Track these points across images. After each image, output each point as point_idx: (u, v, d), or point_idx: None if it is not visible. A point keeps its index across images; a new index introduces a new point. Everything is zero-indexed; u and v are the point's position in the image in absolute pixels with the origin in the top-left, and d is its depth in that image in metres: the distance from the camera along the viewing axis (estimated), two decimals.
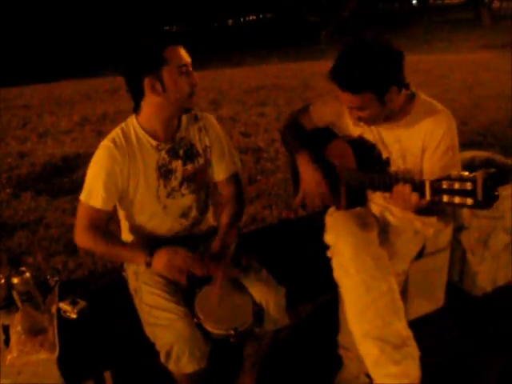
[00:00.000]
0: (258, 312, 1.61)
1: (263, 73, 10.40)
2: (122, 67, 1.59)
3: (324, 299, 2.26)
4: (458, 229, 2.31)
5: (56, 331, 1.61)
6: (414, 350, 1.60)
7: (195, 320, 1.53)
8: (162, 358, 1.51)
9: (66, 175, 4.39)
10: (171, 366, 1.50)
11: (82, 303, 1.78)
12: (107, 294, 1.88)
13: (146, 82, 1.53)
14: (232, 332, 1.50)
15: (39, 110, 7.20)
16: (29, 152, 5.16)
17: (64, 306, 1.76)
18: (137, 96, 1.61)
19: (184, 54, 1.56)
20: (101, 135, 5.69)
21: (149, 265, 1.58)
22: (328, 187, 1.83)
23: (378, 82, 1.54)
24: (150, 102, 1.60)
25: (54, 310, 1.72)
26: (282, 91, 7.98)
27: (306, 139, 1.97)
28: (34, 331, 1.59)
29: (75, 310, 1.75)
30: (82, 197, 1.64)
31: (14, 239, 3.27)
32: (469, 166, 2.38)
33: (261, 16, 37.90)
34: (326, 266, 1.73)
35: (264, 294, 1.63)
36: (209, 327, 1.51)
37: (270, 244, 2.12)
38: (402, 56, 1.56)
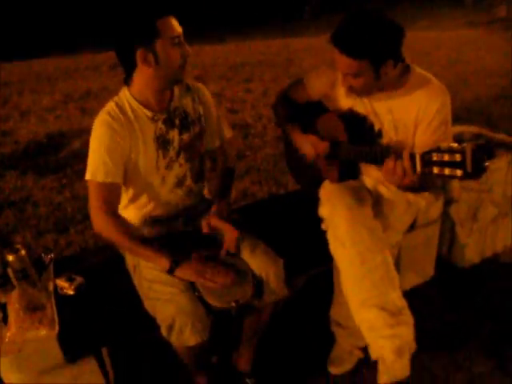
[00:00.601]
0: (258, 284, 1.62)
1: (247, 49, 10.26)
2: (114, 39, 1.55)
3: (316, 273, 2.32)
4: (448, 202, 2.35)
5: (54, 308, 1.61)
6: (408, 318, 1.65)
7: (196, 294, 1.54)
8: (164, 332, 1.51)
9: (51, 153, 4.30)
10: (173, 339, 1.51)
11: (78, 279, 1.77)
12: (104, 270, 1.88)
13: (139, 53, 1.50)
14: (233, 304, 1.52)
15: (19, 88, 6.99)
16: (12, 130, 5.03)
17: (61, 282, 1.76)
18: (128, 67, 1.58)
19: (176, 25, 1.53)
20: (85, 112, 5.62)
21: (171, 272, 1.53)
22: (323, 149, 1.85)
23: (377, 51, 1.54)
24: (142, 74, 1.57)
25: (50, 286, 1.72)
26: (267, 67, 7.90)
27: (299, 113, 1.98)
28: (32, 308, 1.59)
29: (72, 287, 1.74)
30: (89, 175, 1.58)
31: (1, 218, 3.23)
32: (458, 140, 2.41)
33: None
34: (321, 238, 1.76)
35: (263, 266, 1.64)
36: (210, 300, 1.52)
37: (265, 218, 2.13)
38: (402, 32, 1.56)
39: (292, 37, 12.14)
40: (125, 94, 1.64)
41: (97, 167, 1.57)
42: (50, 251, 1.93)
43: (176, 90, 1.72)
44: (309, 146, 1.88)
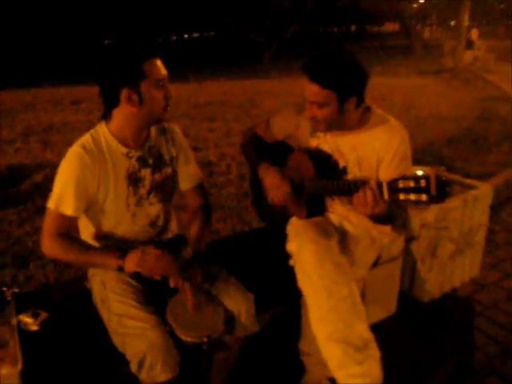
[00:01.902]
0: (229, 319, 1.63)
1: (210, 89, 10.47)
2: (100, 76, 1.59)
3: (281, 310, 2.33)
4: (409, 239, 2.44)
5: (18, 344, 1.55)
6: (375, 352, 1.67)
7: (167, 328, 1.53)
8: (134, 368, 1.49)
9: (12, 185, 4.20)
10: (143, 376, 1.48)
11: (43, 314, 1.71)
12: (69, 305, 1.83)
13: (124, 93, 1.54)
14: (205, 339, 1.51)
15: None
16: None
17: (24, 318, 1.69)
18: (110, 104, 1.61)
19: (161, 67, 1.59)
20: (47, 145, 5.55)
21: (120, 268, 1.53)
22: (291, 188, 1.89)
23: (344, 85, 1.64)
24: (124, 112, 1.60)
25: (13, 322, 1.66)
26: (230, 107, 8.09)
27: (267, 152, 2.04)
28: None
29: (37, 322, 1.68)
30: (51, 204, 1.59)
31: None
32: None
33: (204, 34, 38.16)
34: (288, 273, 1.79)
35: (235, 301, 1.65)
36: (182, 335, 1.52)
37: (233, 253, 2.16)
38: (368, 75, 1.68)
39: (253, 79, 12.50)
40: (102, 129, 1.66)
41: (60, 198, 1.58)
42: (12, 286, 1.87)
43: (152, 130, 1.76)
44: (274, 188, 1.91)
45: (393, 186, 1.40)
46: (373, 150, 1.78)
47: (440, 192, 1.29)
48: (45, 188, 4.09)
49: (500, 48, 17.47)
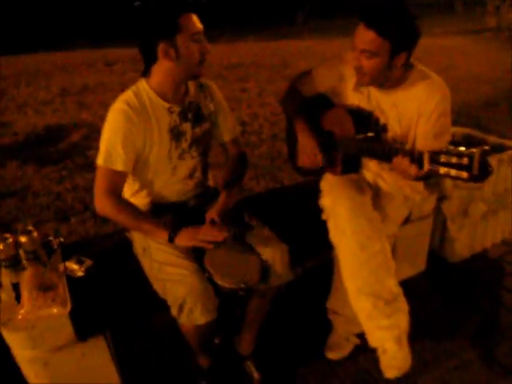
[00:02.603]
0: (264, 268, 1.69)
1: (241, 50, 10.36)
2: (137, 31, 1.62)
3: (313, 265, 2.40)
4: (441, 198, 2.45)
5: (66, 287, 1.66)
6: (403, 305, 1.72)
7: (206, 274, 1.61)
8: (174, 312, 1.58)
9: (50, 145, 4.34)
10: (183, 319, 1.57)
11: (88, 262, 1.82)
12: (111, 254, 1.93)
13: (160, 47, 1.57)
14: (242, 286, 1.57)
15: (15, 82, 7.00)
16: (10, 122, 5.05)
17: (70, 264, 1.80)
18: (149, 60, 1.65)
19: (197, 22, 1.60)
20: (83, 106, 5.66)
21: (171, 240, 1.61)
22: (321, 153, 1.90)
23: (401, 37, 1.61)
24: (162, 67, 1.64)
25: (61, 268, 1.77)
26: (262, 68, 8.00)
27: (305, 106, 2.02)
28: (45, 288, 1.62)
29: (82, 269, 1.79)
30: (100, 161, 1.64)
31: (2, 207, 3.26)
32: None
33: None
34: (320, 228, 1.83)
35: (269, 251, 1.71)
36: (220, 281, 1.58)
37: (267, 208, 2.20)
38: (420, 35, 1.65)
39: (286, 40, 12.25)
40: (143, 85, 1.70)
41: (109, 154, 1.63)
42: (58, 235, 1.98)
43: (190, 86, 1.80)
44: (308, 149, 1.92)
45: (434, 158, 1.38)
46: (413, 106, 1.76)
47: (482, 172, 1.28)
48: (82, 147, 4.22)
49: None
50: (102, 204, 1.64)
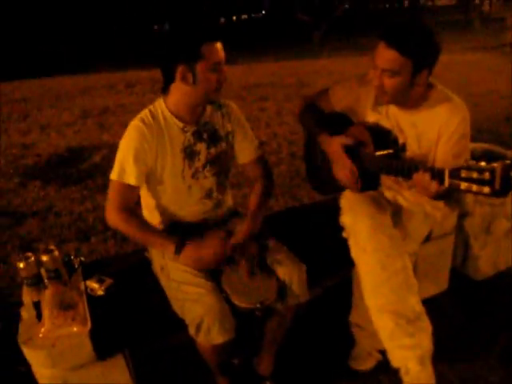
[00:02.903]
0: (281, 288, 1.68)
1: (259, 71, 10.49)
2: (160, 50, 1.66)
3: (333, 283, 2.37)
4: (462, 215, 2.42)
5: (86, 306, 1.67)
6: (426, 324, 1.69)
7: (223, 294, 1.61)
8: (192, 331, 1.57)
9: (72, 166, 4.43)
10: (201, 338, 1.57)
11: (108, 281, 1.84)
12: (131, 273, 1.94)
13: (179, 70, 1.60)
14: (258, 305, 1.57)
15: (38, 104, 7.20)
16: (33, 143, 5.18)
17: (91, 283, 1.82)
18: (167, 80, 1.69)
19: (220, 51, 1.62)
20: (103, 128, 5.76)
21: (177, 253, 1.64)
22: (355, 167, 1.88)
23: (422, 55, 1.61)
24: (179, 89, 1.67)
25: (82, 286, 1.79)
26: (280, 88, 8.08)
27: (325, 123, 2.02)
28: (65, 306, 1.64)
29: (102, 287, 1.81)
30: (114, 176, 1.69)
31: (24, 227, 3.32)
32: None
33: (253, 15, 37.97)
34: (340, 246, 1.82)
35: (287, 271, 1.70)
36: (236, 301, 1.59)
37: (286, 226, 2.20)
38: (440, 51, 1.65)
39: (303, 59, 12.36)
40: (160, 104, 1.74)
41: (123, 169, 1.68)
42: (79, 255, 2.00)
43: (208, 106, 1.82)
44: (344, 171, 1.90)
45: (455, 174, 1.36)
46: (433, 126, 1.75)
47: (504, 186, 1.26)
48: (103, 168, 4.30)
49: None
50: (112, 216, 1.69)
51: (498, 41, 14.25)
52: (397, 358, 1.68)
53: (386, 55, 1.62)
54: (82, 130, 5.71)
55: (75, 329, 1.56)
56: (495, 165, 1.27)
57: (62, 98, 7.68)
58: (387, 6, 38.41)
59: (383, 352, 1.84)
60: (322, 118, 2.04)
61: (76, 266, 1.91)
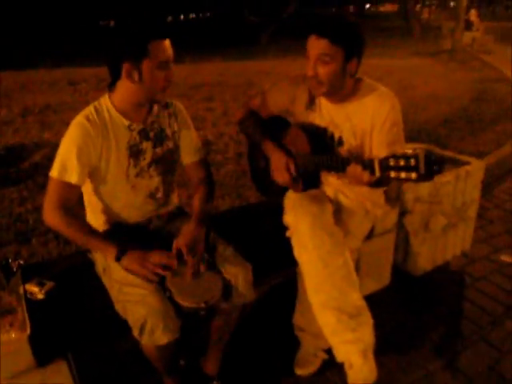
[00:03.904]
0: (227, 287, 1.68)
1: (206, 70, 10.43)
2: (106, 46, 1.62)
3: (278, 282, 2.41)
4: (403, 213, 2.52)
5: (25, 311, 1.61)
6: (368, 319, 1.74)
7: (167, 294, 1.59)
8: (136, 333, 1.54)
9: (11, 165, 4.22)
10: (145, 340, 1.54)
11: (49, 284, 1.78)
12: (73, 276, 1.89)
13: (125, 67, 1.57)
14: (203, 305, 1.56)
15: None
16: None
17: (30, 287, 1.76)
18: (113, 76, 1.65)
19: (167, 49, 1.60)
20: (45, 126, 5.55)
21: (117, 260, 1.59)
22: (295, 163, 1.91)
23: (351, 43, 1.70)
24: (125, 86, 1.64)
25: (21, 290, 1.72)
26: (227, 88, 8.07)
27: (265, 127, 2.06)
28: (2, 312, 1.58)
29: (42, 291, 1.75)
30: (55, 173, 1.62)
31: None
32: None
33: (200, 15, 37.76)
34: (285, 245, 1.84)
35: (232, 270, 1.70)
36: (180, 300, 1.57)
37: (232, 226, 2.21)
38: (365, 43, 1.76)
39: (251, 60, 12.44)
40: (105, 101, 1.71)
41: (64, 167, 1.62)
42: (18, 258, 1.93)
43: (155, 105, 1.80)
44: (280, 169, 1.91)
45: (384, 163, 1.44)
46: (365, 117, 1.82)
47: (428, 171, 1.34)
48: (44, 167, 4.12)
49: (499, 29, 17.41)
50: (51, 217, 1.63)
51: (436, 47, 14.97)
52: (341, 353, 1.72)
53: (318, 44, 1.69)
54: (22, 129, 5.45)
55: (13, 335, 1.50)
56: (418, 151, 1.36)
57: (0, 95, 7.32)
58: (334, 10, 39.31)
59: (329, 351, 1.88)
60: (262, 123, 2.08)
61: (14, 270, 1.82)
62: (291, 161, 1.88)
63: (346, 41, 1.68)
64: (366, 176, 1.53)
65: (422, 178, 1.36)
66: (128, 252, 1.59)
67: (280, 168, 1.89)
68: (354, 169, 1.57)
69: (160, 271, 1.58)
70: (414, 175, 1.36)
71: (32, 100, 7.01)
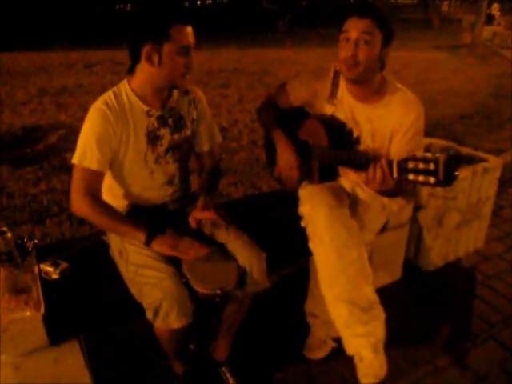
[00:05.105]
0: (241, 275, 1.69)
1: (223, 57, 10.41)
2: (128, 28, 1.62)
3: (290, 271, 2.41)
4: (417, 208, 2.50)
5: (40, 290, 1.63)
6: (380, 313, 1.74)
7: (183, 279, 1.60)
8: (149, 315, 1.56)
9: (27, 146, 4.26)
10: (158, 323, 1.56)
11: (63, 264, 1.79)
12: (87, 257, 1.90)
13: (145, 49, 1.57)
14: (218, 291, 1.57)
15: None
16: None
17: (45, 267, 1.77)
18: (133, 60, 1.65)
19: (189, 35, 1.60)
20: (61, 107, 5.58)
21: (148, 244, 1.60)
22: (300, 163, 1.94)
23: (388, 29, 1.72)
24: (144, 70, 1.64)
25: (36, 270, 1.74)
26: (243, 75, 8.05)
27: (282, 118, 2.06)
28: (17, 290, 1.59)
29: (57, 271, 1.76)
30: (76, 160, 1.63)
31: None
32: (426, 151, 2.58)
33: (217, 1, 37.50)
34: (298, 235, 1.84)
35: (247, 258, 1.71)
36: (196, 286, 1.58)
37: (246, 214, 2.20)
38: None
39: (267, 48, 12.37)
40: (124, 86, 1.70)
41: (84, 153, 1.62)
42: (33, 237, 1.94)
43: (174, 91, 1.79)
44: (286, 159, 1.96)
45: (402, 165, 1.44)
46: (388, 123, 1.81)
47: (447, 176, 1.33)
48: (60, 148, 4.17)
49: None
50: (78, 204, 1.62)
51: (455, 41, 14.76)
52: (351, 346, 1.72)
53: (361, 24, 1.69)
54: (38, 110, 5.49)
55: (28, 313, 1.52)
56: (439, 155, 1.34)
57: (17, 76, 7.35)
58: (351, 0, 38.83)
59: (338, 340, 1.89)
60: (280, 114, 2.08)
61: (30, 249, 1.84)
62: (294, 160, 1.91)
63: (385, 25, 1.70)
64: (386, 178, 1.52)
65: (440, 183, 1.35)
66: (157, 236, 1.60)
67: (283, 165, 1.95)
68: (373, 170, 1.56)
69: (189, 257, 1.60)
70: (432, 179, 1.36)
71: (48, 81, 7.05)
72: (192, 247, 1.61)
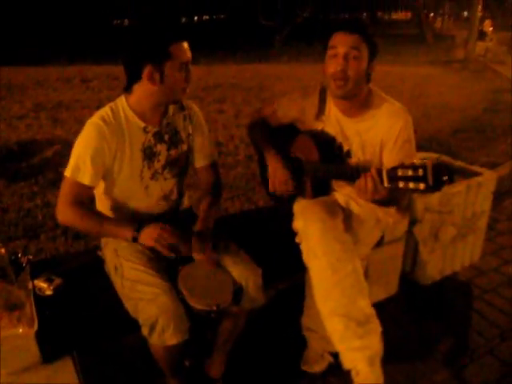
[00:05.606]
0: (237, 291, 1.68)
1: (220, 72, 10.48)
2: (127, 49, 1.63)
3: (286, 286, 2.40)
4: (412, 222, 2.50)
5: (33, 306, 1.61)
6: (376, 326, 1.73)
7: (179, 296, 1.59)
8: (145, 331, 1.55)
9: (22, 160, 4.26)
10: (154, 339, 1.55)
11: (57, 280, 1.79)
12: (82, 273, 1.89)
13: (147, 69, 1.58)
14: (214, 308, 1.56)
15: None
16: None
17: (39, 283, 1.76)
18: (132, 78, 1.66)
19: (187, 51, 1.63)
20: (57, 122, 5.59)
21: (135, 239, 1.60)
22: (292, 179, 1.94)
23: (373, 44, 1.76)
24: (144, 88, 1.65)
25: (29, 286, 1.72)
26: (239, 90, 8.10)
27: (272, 135, 2.08)
28: (11, 306, 1.58)
29: (51, 287, 1.75)
30: (68, 173, 1.64)
31: None
32: None
33: (214, 17, 37.87)
34: (294, 250, 1.83)
35: (243, 274, 1.70)
36: (192, 302, 1.57)
37: (242, 229, 2.21)
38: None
39: (264, 63, 12.48)
40: (121, 102, 1.71)
41: (77, 167, 1.63)
42: (27, 253, 1.93)
43: (170, 107, 1.80)
44: (278, 177, 1.96)
45: (392, 174, 1.45)
46: (376, 134, 1.83)
47: (436, 181, 1.35)
48: (55, 163, 4.16)
49: None
50: (64, 213, 1.65)
51: (449, 56, 14.94)
52: (348, 360, 1.71)
53: (349, 39, 1.71)
54: (34, 124, 5.50)
55: (21, 330, 1.50)
56: (426, 161, 1.36)
57: (13, 90, 7.38)
58: (347, 16, 39.33)
59: (335, 354, 1.87)
60: (270, 131, 2.09)
61: (24, 265, 1.83)
62: (287, 173, 1.92)
63: (370, 40, 1.74)
64: (377, 187, 1.53)
65: (430, 189, 1.36)
66: (143, 229, 1.60)
67: (278, 179, 1.94)
68: (364, 180, 1.57)
69: (173, 241, 1.59)
70: (422, 185, 1.37)
71: (45, 96, 7.08)
72: (175, 238, 1.60)
